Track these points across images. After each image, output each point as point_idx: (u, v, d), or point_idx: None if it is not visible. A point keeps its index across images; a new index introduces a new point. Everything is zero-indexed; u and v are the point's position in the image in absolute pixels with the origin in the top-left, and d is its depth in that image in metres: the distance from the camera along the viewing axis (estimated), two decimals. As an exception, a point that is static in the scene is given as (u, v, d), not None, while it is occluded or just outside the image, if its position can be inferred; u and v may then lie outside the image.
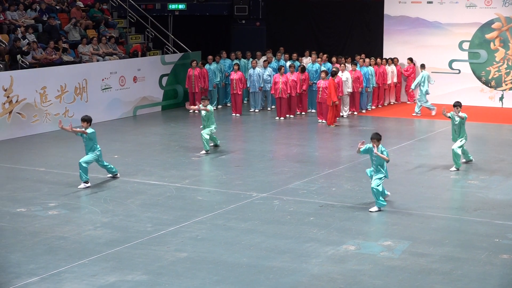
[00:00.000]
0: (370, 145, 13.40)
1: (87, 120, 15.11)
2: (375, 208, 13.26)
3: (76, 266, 10.55)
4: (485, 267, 10.46)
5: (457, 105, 16.18)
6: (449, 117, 16.30)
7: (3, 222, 12.63)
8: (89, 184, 14.92)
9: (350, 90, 23.04)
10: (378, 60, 24.90)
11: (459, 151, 16.14)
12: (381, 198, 13.32)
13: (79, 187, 14.82)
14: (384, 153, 13.34)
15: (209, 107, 17.96)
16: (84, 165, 14.85)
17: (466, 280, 9.99)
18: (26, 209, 13.40)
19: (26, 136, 20.09)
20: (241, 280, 10.04)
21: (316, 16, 28.69)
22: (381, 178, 13.36)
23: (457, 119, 16.14)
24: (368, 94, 24.14)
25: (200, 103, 18.22)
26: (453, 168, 16.13)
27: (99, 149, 15.14)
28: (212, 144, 18.41)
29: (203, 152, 17.88)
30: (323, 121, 22.17)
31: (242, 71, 24.85)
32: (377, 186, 13.26)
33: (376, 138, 13.32)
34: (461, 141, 16.19)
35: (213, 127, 17.95)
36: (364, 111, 23.99)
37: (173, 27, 29.12)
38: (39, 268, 10.47)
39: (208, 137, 17.87)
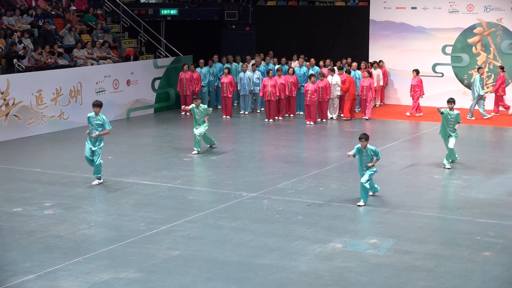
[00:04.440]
0: (358, 145, 13.72)
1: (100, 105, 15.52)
2: (361, 203, 13.57)
3: (71, 264, 10.62)
4: (467, 264, 10.60)
5: (451, 101, 16.63)
6: (442, 113, 16.62)
7: (0, 222, 12.70)
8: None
9: (339, 93, 23.36)
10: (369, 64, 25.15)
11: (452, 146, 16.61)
12: (367, 193, 13.72)
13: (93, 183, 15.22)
14: (376, 152, 13.67)
15: (203, 106, 18.22)
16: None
17: (449, 277, 10.12)
18: (22, 208, 13.46)
19: (22, 138, 20.13)
20: (231, 277, 10.15)
21: (304, 21, 28.74)
22: (371, 174, 13.68)
23: (453, 115, 16.48)
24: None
25: (192, 103, 18.46)
26: (447, 165, 16.55)
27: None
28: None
29: (195, 152, 18.08)
30: (311, 123, 22.39)
31: (233, 74, 25.12)
32: (366, 182, 13.58)
33: (364, 138, 13.64)
34: (455, 138, 16.61)
35: (205, 125, 18.02)
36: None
37: (165, 32, 29.21)
38: (35, 266, 10.54)
39: (199, 138, 18.03)
